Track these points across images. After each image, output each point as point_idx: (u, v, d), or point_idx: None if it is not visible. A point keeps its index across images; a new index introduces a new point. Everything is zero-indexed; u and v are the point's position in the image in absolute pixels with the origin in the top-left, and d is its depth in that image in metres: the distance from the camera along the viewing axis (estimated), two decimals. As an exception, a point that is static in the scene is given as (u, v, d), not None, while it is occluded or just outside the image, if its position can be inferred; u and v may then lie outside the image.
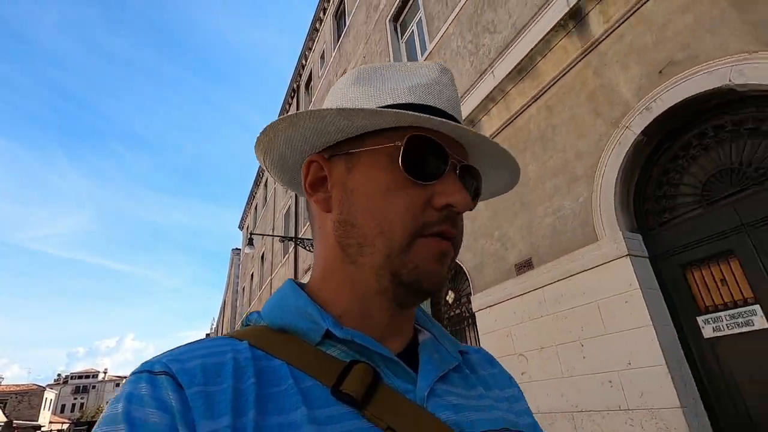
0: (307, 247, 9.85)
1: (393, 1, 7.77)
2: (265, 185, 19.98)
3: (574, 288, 3.42)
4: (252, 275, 21.41)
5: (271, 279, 16.15)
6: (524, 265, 3.98)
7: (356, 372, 0.38)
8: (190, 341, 0.41)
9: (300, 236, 11.63)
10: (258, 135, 0.45)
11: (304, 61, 14.18)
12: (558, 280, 3.57)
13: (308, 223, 11.74)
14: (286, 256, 13.77)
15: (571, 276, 3.45)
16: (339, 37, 11.12)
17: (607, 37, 3.49)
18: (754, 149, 2.70)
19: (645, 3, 3.20)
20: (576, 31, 3.75)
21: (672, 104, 2.94)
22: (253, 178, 21.98)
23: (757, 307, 2.59)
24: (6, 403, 43.84)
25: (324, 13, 12.39)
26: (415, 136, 0.42)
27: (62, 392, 71.09)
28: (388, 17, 7.90)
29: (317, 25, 12.84)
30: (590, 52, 3.62)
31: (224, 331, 32.63)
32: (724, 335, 2.71)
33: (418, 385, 0.40)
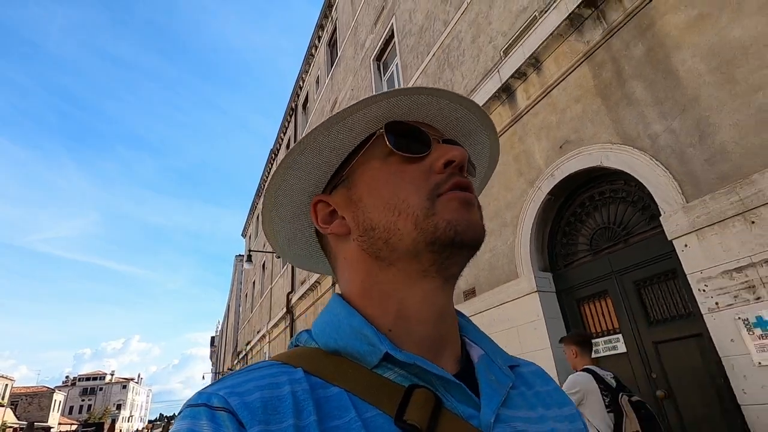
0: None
1: (376, 42, 8.61)
2: (267, 196, 20.75)
3: (502, 314, 4.23)
4: (254, 283, 22.29)
5: (271, 288, 16.98)
6: (470, 293, 4.80)
7: (417, 398, 0.36)
8: (241, 369, 0.38)
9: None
10: (265, 226, 0.49)
11: (301, 83, 15.05)
12: (492, 307, 4.37)
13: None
14: (285, 267, 14.60)
15: (501, 305, 4.27)
16: (332, 64, 11.97)
17: (527, 111, 4.32)
18: (621, 213, 3.51)
19: (553, 89, 4.02)
20: (507, 101, 4.57)
21: (568, 173, 3.75)
22: (256, 186, 22.88)
23: (620, 335, 3.40)
24: (17, 405, 44.97)
25: (319, 41, 13.25)
26: (391, 121, 0.44)
27: (70, 394, 72.24)
28: (372, 56, 8.74)
29: (313, 51, 13.71)
30: (516, 121, 4.45)
31: (229, 335, 33.42)
32: (601, 356, 3.51)
33: (482, 411, 0.38)
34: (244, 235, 28.06)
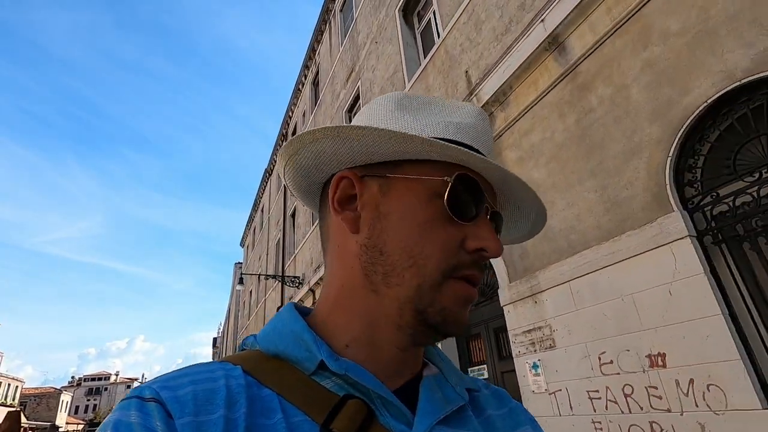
0: (288, 284, 12.07)
1: (347, 97, 9.98)
2: (262, 210, 22.28)
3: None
4: (251, 292, 23.76)
5: (264, 300, 18.44)
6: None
7: (348, 408, 0.36)
8: (183, 367, 0.39)
9: (285, 274, 13.87)
10: (287, 143, 0.43)
11: (290, 113, 16.41)
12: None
13: (293, 257, 14.02)
14: (276, 283, 16.03)
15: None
16: (315, 104, 13.31)
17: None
18: (489, 278, 4.93)
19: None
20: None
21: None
22: (252, 201, 24.33)
23: (485, 365, 4.84)
24: (26, 405, 46.68)
25: (305, 78, 14.56)
26: (463, 174, 0.42)
27: (76, 394, 73.98)
28: (345, 108, 10.13)
29: (300, 87, 15.04)
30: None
31: (230, 337, 34.91)
32: (476, 379, 4.97)
33: (414, 427, 0.38)
34: (242, 244, 29.52)
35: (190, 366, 0.39)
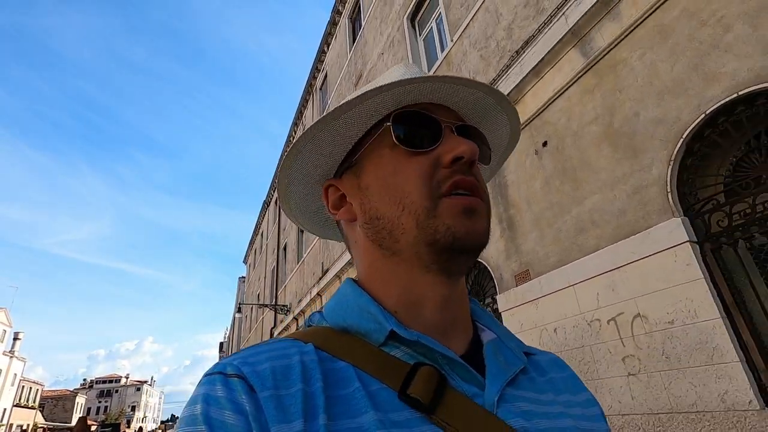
0: (278, 312, 14.33)
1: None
2: (261, 235, 24.63)
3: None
4: (252, 308, 26.14)
5: (262, 318, 20.75)
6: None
7: (422, 375, 0.37)
8: (257, 343, 0.40)
9: (277, 301, 16.13)
10: (282, 202, 0.51)
11: (296, 126, 17.55)
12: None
13: (284, 286, 16.24)
14: (267, 311, 18.15)
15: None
16: (322, 112, 13.94)
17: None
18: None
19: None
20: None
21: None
22: (254, 224, 26.70)
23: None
24: (44, 407, 49.50)
25: (311, 88, 15.38)
26: (399, 111, 0.44)
27: (88, 396, 76.94)
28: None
29: (307, 97, 15.96)
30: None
31: (234, 347, 37.24)
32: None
33: (486, 390, 0.39)
34: (245, 262, 31.93)
35: (262, 343, 0.40)
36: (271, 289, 18.82)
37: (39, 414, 43.54)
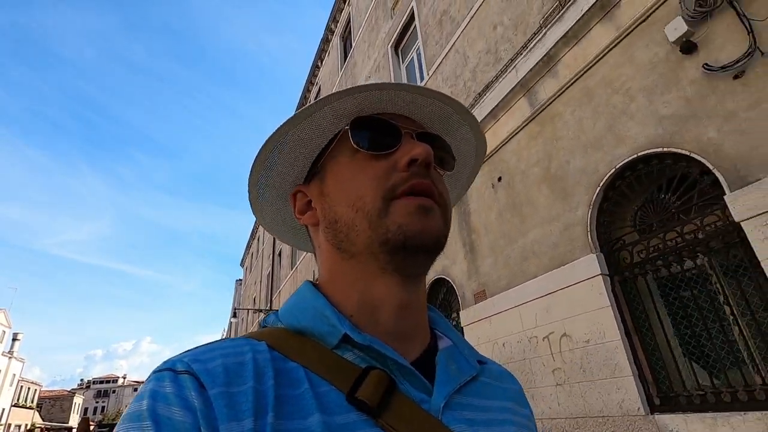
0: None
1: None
2: (258, 239, 25.16)
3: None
4: (247, 312, 26.66)
5: (257, 322, 21.26)
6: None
7: (372, 379, 0.37)
8: (209, 342, 0.40)
9: (272, 306, 16.68)
10: (254, 212, 0.53)
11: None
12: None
13: (279, 291, 16.81)
14: (259, 315, 18.83)
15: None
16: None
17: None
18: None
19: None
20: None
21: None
22: (249, 232, 27.21)
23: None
24: (42, 407, 49.86)
25: (306, 101, 15.88)
26: (359, 117, 0.45)
27: (85, 396, 77.18)
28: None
29: (305, 102, 16.32)
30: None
31: (230, 348, 37.57)
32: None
33: (433, 396, 0.40)
34: (242, 265, 32.46)
35: (216, 341, 0.40)
36: (267, 293, 19.36)
37: (37, 414, 43.93)
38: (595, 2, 3.65)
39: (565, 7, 4.01)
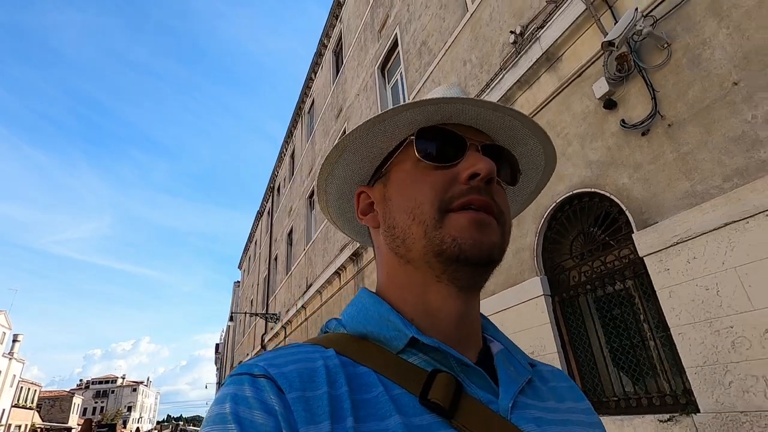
0: (268, 320, 15.33)
1: (335, 134, 11.51)
2: (255, 243, 25.62)
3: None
4: (246, 314, 27.11)
5: (255, 324, 21.74)
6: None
7: (440, 381, 0.38)
8: (276, 348, 0.41)
9: (268, 309, 17.16)
10: (318, 200, 0.56)
11: (286, 144, 18.44)
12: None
13: (275, 295, 17.29)
14: (257, 319, 19.15)
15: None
16: (310, 135, 14.71)
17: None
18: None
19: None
20: (340, 278, 9.26)
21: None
22: (248, 234, 27.68)
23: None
24: (41, 407, 50.25)
25: (300, 110, 16.26)
26: (425, 127, 0.46)
27: (84, 396, 77.52)
28: (335, 142, 12.17)
29: (297, 118, 16.83)
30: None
31: (229, 350, 38.16)
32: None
33: (500, 397, 0.41)
34: (240, 267, 32.89)
35: (285, 347, 0.41)
36: (263, 297, 19.84)
37: (37, 415, 44.35)
38: (543, 54, 4.16)
39: (520, 54, 4.51)
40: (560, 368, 0.58)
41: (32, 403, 43.15)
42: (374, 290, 0.49)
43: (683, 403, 2.81)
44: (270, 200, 21.05)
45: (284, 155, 18.41)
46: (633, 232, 3.16)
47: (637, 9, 3.12)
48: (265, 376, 0.36)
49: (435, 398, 0.37)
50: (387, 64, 9.01)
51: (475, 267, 0.43)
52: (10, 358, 38.05)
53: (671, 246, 2.86)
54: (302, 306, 12.33)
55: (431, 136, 0.46)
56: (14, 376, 39.21)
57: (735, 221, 2.53)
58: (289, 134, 17.79)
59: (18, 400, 39.90)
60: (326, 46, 13.75)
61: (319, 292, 10.98)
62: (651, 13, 3.18)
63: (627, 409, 3.23)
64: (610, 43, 3.05)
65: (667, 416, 2.80)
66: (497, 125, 0.49)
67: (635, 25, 3.05)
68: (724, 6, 2.77)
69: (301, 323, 12.55)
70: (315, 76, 14.92)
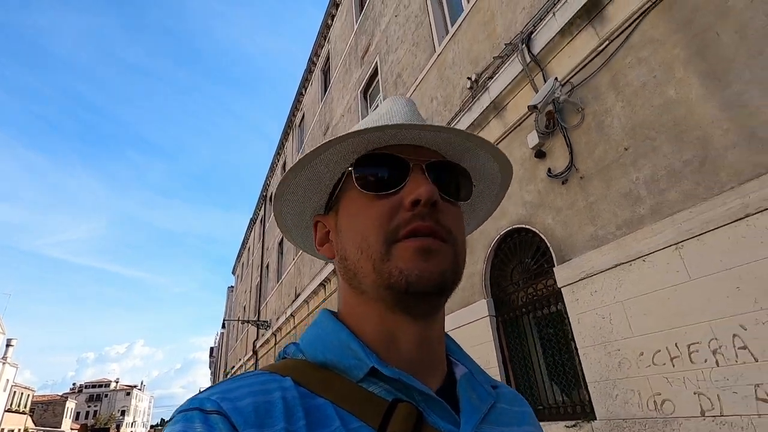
0: (259, 327, 15.79)
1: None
2: (249, 250, 26.06)
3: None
4: (238, 318, 27.54)
5: (247, 330, 22.17)
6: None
7: (400, 412, 0.38)
8: (232, 377, 0.40)
9: (260, 316, 17.64)
10: (281, 229, 0.55)
11: (278, 156, 18.95)
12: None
13: (267, 302, 17.80)
14: (248, 327, 19.67)
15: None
16: (300, 148, 15.27)
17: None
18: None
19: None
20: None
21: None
22: (241, 240, 28.11)
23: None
24: (34, 412, 50.20)
25: (292, 124, 16.86)
26: (363, 155, 0.46)
27: (77, 400, 77.29)
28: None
29: (288, 131, 17.33)
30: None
31: (223, 354, 38.47)
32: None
33: (462, 428, 0.40)
34: (233, 273, 33.30)
35: (239, 376, 0.39)
36: (256, 304, 20.29)
37: (30, 419, 44.39)
38: (491, 102, 4.74)
39: (474, 99, 5.09)
40: (501, 378, 0.63)
41: (25, 407, 43.21)
42: (336, 311, 0.49)
43: (588, 411, 3.38)
44: (263, 208, 21.55)
45: (276, 166, 18.95)
46: (554, 266, 3.73)
47: (556, 78, 3.71)
48: (218, 411, 0.34)
49: (393, 431, 0.37)
50: (369, 88, 9.58)
51: (426, 296, 0.42)
52: (4, 363, 38.18)
53: (580, 280, 3.43)
54: (291, 314, 12.84)
55: (372, 162, 0.45)
56: (7, 380, 39.32)
57: (622, 263, 3.10)
58: (281, 146, 18.31)
59: (11, 405, 39.98)
60: (315, 64, 14.31)
61: (306, 301, 11.50)
62: (570, 80, 3.77)
63: (550, 416, 3.79)
64: (534, 107, 3.63)
65: (572, 423, 3.37)
66: (441, 141, 0.48)
67: (554, 92, 3.63)
68: (620, 83, 3.35)
69: (290, 331, 13.05)
70: (305, 91, 15.47)
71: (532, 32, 4.17)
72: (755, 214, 2.37)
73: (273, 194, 0.51)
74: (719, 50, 2.69)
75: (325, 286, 10.21)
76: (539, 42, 4.06)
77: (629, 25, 3.29)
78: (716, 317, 2.50)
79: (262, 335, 17.28)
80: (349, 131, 0.44)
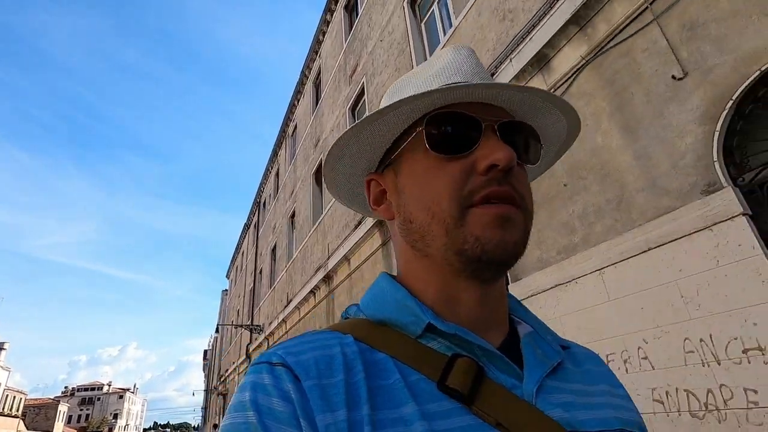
0: (252, 331, 16.16)
1: (313, 162, 12.35)
2: (243, 254, 26.39)
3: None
4: (232, 321, 27.83)
5: (240, 334, 22.52)
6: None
7: (460, 366, 0.38)
8: (299, 335, 0.41)
9: (253, 321, 17.99)
10: (326, 181, 0.54)
11: (272, 163, 19.30)
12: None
13: (260, 307, 18.16)
14: (242, 331, 19.93)
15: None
16: (292, 158, 15.59)
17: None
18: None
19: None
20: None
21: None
22: (236, 243, 28.42)
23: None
24: (26, 415, 50.02)
25: (285, 133, 17.08)
26: (434, 114, 0.44)
27: (69, 403, 76.81)
28: (313, 170, 11.83)
29: (281, 140, 17.64)
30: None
31: (218, 352, 38.61)
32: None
33: (525, 381, 0.40)
34: (227, 276, 33.57)
35: (304, 334, 0.42)
36: (249, 308, 20.67)
37: (21, 423, 44.30)
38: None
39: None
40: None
41: (17, 411, 43.14)
42: (394, 274, 0.49)
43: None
44: (257, 214, 21.96)
45: (270, 173, 19.38)
46: (509, 284, 4.24)
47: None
48: (282, 364, 0.37)
49: (454, 384, 0.37)
50: (357, 106, 10.07)
51: (499, 265, 0.42)
52: (-4, 367, 38.12)
53: (528, 297, 3.95)
54: (283, 320, 13.26)
55: (442, 122, 0.43)
56: (0, 384, 39.28)
57: (560, 284, 3.62)
58: (275, 153, 18.75)
59: (3, 408, 39.93)
60: (308, 77, 14.75)
61: (297, 308, 11.93)
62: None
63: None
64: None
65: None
66: (513, 99, 0.46)
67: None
68: (562, 127, 3.87)
69: (282, 336, 13.47)
70: (298, 103, 15.90)
71: (493, 73, 4.69)
72: (654, 248, 2.89)
73: (325, 155, 0.52)
74: (633, 108, 3.21)
75: (314, 293, 10.65)
76: (499, 84, 4.57)
77: (570, 77, 3.82)
78: (627, 332, 3.02)
79: (255, 339, 17.66)
80: (417, 93, 0.43)
